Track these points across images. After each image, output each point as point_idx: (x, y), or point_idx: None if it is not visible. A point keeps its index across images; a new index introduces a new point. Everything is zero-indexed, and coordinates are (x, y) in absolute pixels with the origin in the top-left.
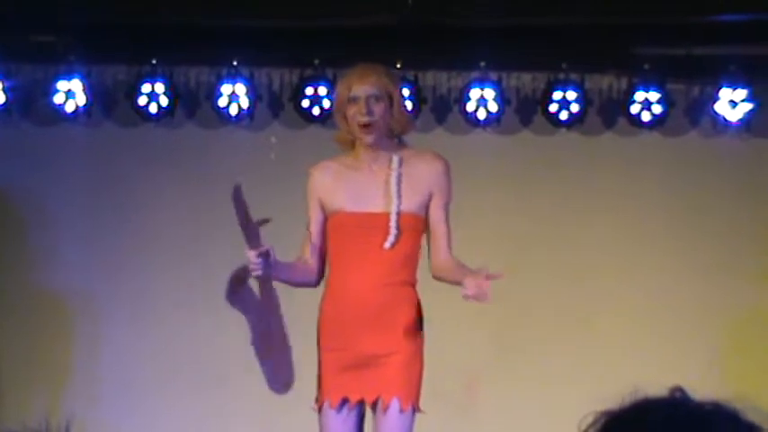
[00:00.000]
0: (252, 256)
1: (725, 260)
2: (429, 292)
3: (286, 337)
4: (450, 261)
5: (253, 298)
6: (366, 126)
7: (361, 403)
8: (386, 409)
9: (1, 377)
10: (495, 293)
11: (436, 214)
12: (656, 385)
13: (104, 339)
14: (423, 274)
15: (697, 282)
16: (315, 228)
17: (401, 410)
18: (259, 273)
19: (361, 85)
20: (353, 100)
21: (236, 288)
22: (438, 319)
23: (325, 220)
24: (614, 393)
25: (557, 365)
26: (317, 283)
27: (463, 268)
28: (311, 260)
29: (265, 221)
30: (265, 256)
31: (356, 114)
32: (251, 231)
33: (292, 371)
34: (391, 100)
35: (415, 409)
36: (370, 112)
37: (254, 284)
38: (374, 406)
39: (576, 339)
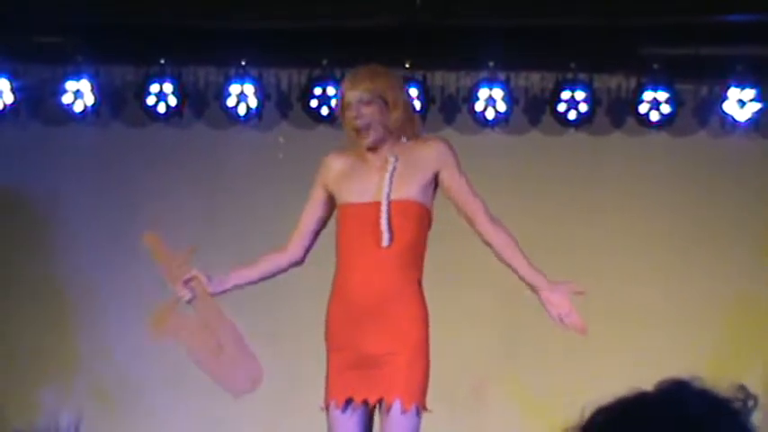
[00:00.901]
0: (176, 285)
1: (732, 260)
2: (436, 291)
3: (239, 336)
4: (496, 232)
5: (181, 320)
6: (358, 130)
7: (366, 403)
8: (388, 409)
9: (10, 375)
10: (503, 292)
11: (457, 189)
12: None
13: (112, 338)
14: (430, 273)
15: (704, 281)
16: (310, 205)
17: (403, 411)
18: (187, 297)
19: (352, 91)
20: (347, 106)
21: (161, 323)
22: (445, 318)
23: (329, 204)
24: (623, 389)
25: (564, 366)
26: (297, 264)
27: (522, 259)
28: (296, 240)
29: (191, 251)
30: (188, 280)
31: (349, 120)
32: (172, 267)
33: (257, 366)
34: (385, 101)
35: (420, 408)
36: (360, 116)
37: (186, 309)
38: (379, 406)
39: (584, 339)
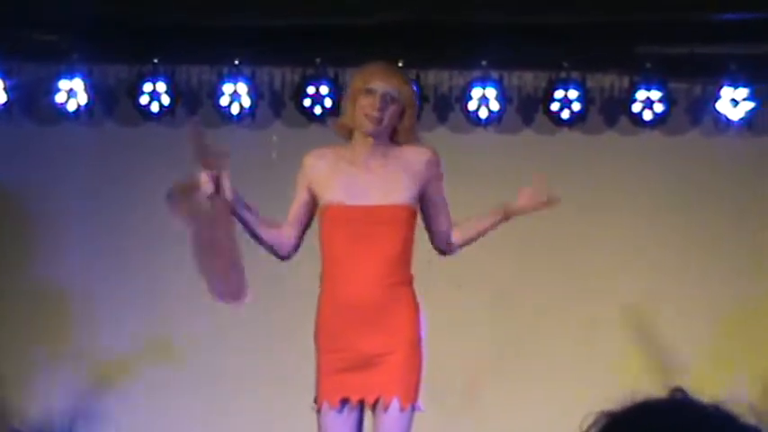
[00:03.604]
0: (203, 174)
1: (727, 258)
2: (430, 291)
3: (236, 247)
4: (458, 223)
5: (197, 208)
6: (371, 119)
7: (361, 403)
8: (386, 408)
9: (5, 374)
10: (496, 292)
11: (439, 203)
12: (659, 384)
13: (106, 337)
14: (425, 274)
15: (699, 280)
16: (296, 205)
17: (401, 409)
18: (209, 190)
19: (383, 81)
20: (370, 92)
21: (179, 195)
22: (439, 317)
23: (313, 204)
24: (617, 392)
25: (559, 365)
26: (287, 254)
27: (474, 222)
28: (287, 229)
29: (225, 154)
30: (216, 177)
31: (367, 106)
32: (206, 157)
33: (243, 281)
34: (403, 108)
35: (415, 407)
36: (382, 108)
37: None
38: (374, 405)
39: (578, 338)
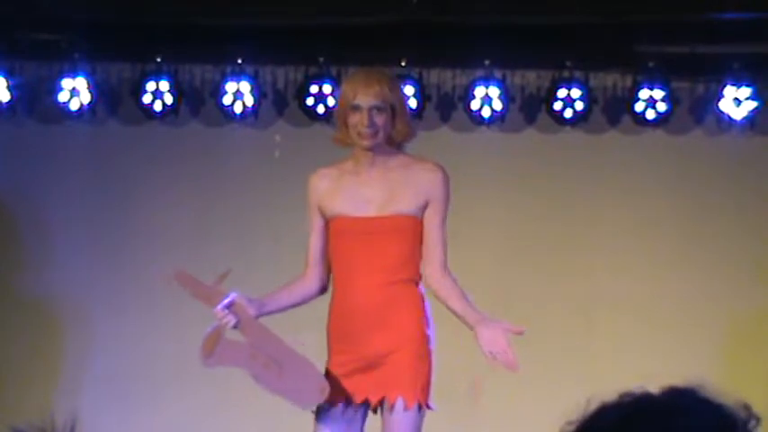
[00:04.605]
0: (218, 311)
1: (729, 257)
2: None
3: (292, 353)
4: (445, 279)
5: (233, 347)
6: (364, 135)
7: (364, 403)
8: (391, 407)
9: (3, 375)
10: (497, 292)
11: (431, 225)
12: (660, 383)
13: (108, 337)
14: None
15: (701, 279)
16: (315, 235)
17: (406, 408)
18: (232, 322)
19: (365, 96)
20: (356, 108)
21: (211, 351)
22: (443, 316)
23: (326, 226)
24: (620, 391)
25: (562, 363)
26: (321, 292)
27: (463, 300)
28: (311, 271)
29: (224, 276)
30: (230, 305)
31: (357, 124)
32: (209, 295)
33: (319, 376)
34: (393, 110)
35: (422, 406)
36: (372, 125)
37: (231, 334)
38: (381, 406)
39: (581, 337)
